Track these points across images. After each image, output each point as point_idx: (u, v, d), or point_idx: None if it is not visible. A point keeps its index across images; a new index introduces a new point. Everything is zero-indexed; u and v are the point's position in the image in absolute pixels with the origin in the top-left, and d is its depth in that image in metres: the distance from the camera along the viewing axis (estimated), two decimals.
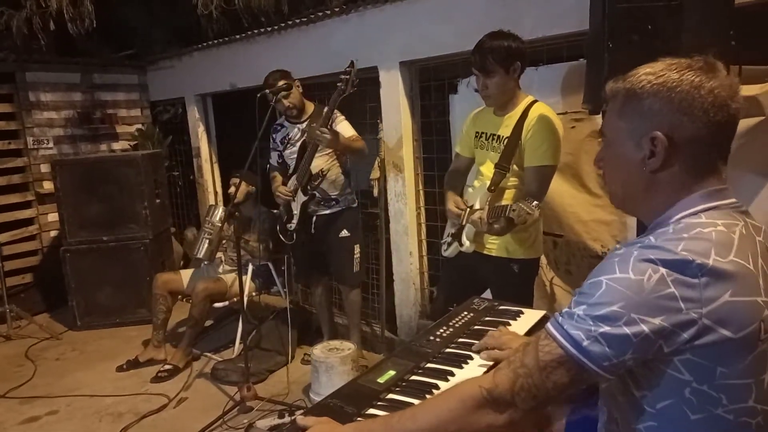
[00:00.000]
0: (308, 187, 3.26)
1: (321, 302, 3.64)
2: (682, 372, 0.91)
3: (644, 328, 0.88)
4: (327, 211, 3.35)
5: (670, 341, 0.89)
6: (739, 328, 0.88)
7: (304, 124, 3.34)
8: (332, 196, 3.33)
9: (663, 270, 0.89)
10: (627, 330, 0.89)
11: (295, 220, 3.35)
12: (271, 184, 3.53)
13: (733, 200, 1.00)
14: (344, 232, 3.35)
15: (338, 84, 2.96)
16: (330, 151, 3.25)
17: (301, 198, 3.30)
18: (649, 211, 1.05)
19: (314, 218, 3.36)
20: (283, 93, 3.20)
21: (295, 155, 3.33)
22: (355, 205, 3.46)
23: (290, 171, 3.38)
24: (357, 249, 3.40)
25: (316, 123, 3.13)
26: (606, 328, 0.90)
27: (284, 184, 3.39)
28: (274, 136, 3.51)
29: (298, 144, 3.33)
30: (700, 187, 0.99)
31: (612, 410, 1.06)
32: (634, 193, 1.04)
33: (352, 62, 2.94)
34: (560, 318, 0.97)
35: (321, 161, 3.25)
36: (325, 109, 3.08)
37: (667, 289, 0.88)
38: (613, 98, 1.04)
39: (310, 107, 3.40)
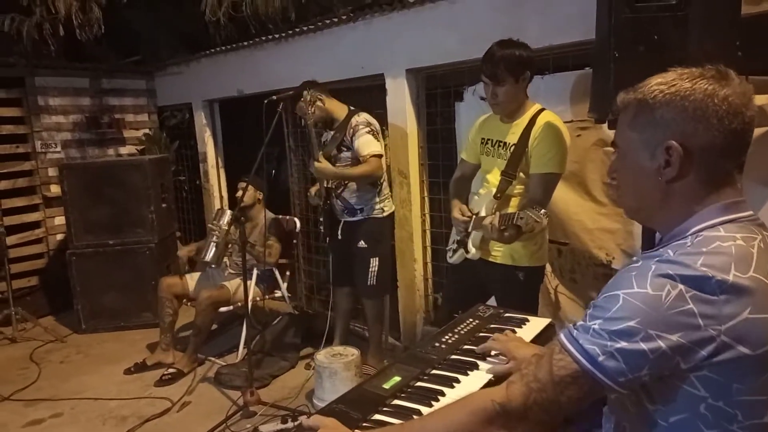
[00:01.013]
0: (331, 196, 3.32)
1: (339, 308, 3.61)
2: (698, 388, 0.89)
3: (661, 344, 0.87)
4: (350, 219, 3.33)
5: (687, 358, 0.88)
6: (757, 346, 0.87)
7: (333, 131, 3.34)
8: (354, 206, 3.29)
9: (681, 286, 0.87)
10: (644, 346, 0.88)
11: (321, 225, 3.44)
12: (275, 190, 3.57)
13: (751, 213, 0.99)
14: (361, 243, 3.30)
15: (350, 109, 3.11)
16: (350, 161, 3.22)
17: (324, 206, 3.39)
18: (665, 222, 1.03)
19: (342, 224, 3.37)
20: (306, 105, 3.15)
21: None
22: (382, 215, 3.33)
23: None
24: (374, 262, 3.31)
25: (342, 137, 3.20)
26: (622, 344, 0.89)
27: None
28: (320, 138, 3.51)
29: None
30: (717, 198, 0.98)
31: (621, 420, 1.06)
32: (650, 204, 1.03)
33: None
34: (575, 331, 0.95)
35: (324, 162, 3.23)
36: (338, 134, 3.18)
37: (686, 305, 0.87)
38: (625, 109, 1.03)
39: (342, 112, 3.31)
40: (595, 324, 0.92)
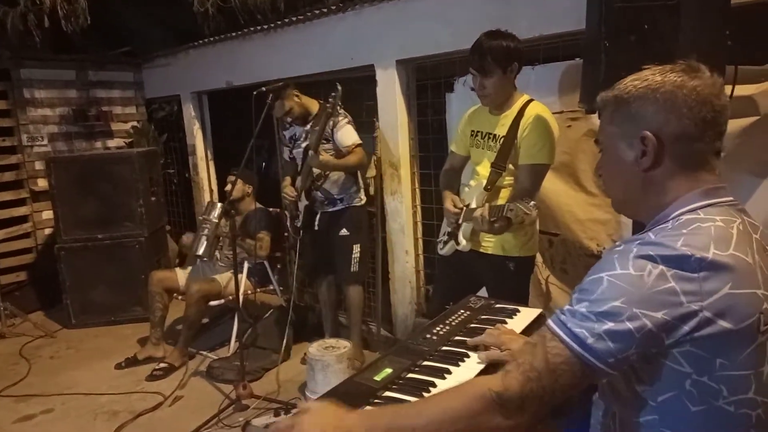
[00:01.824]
0: (311, 188, 3.31)
1: (325, 300, 3.65)
2: (683, 364, 0.92)
3: (646, 322, 0.90)
4: (330, 209, 3.39)
5: (671, 334, 0.90)
6: (739, 320, 0.89)
7: (308, 126, 3.37)
8: (335, 196, 3.36)
9: (662, 266, 0.91)
10: (630, 325, 0.90)
11: (300, 219, 3.45)
12: (266, 182, 3.56)
13: (731, 198, 1.03)
14: (344, 231, 3.37)
15: (326, 105, 3.05)
16: (332, 152, 3.25)
17: (304, 201, 3.38)
18: (648, 211, 1.07)
19: (318, 215, 3.40)
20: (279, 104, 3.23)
21: (301, 156, 3.37)
22: (360, 203, 3.45)
23: (299, 168, 3.44)
24: (356, 249, 3.39)
25: (317, 126, 3.15)
26: (609, 325, 0.91)
27: (293, 181, 3.47)
28: (284, 133, 3.55)
29: (303, 145, 3.36)
30: (695, 184, 1.02)
31: (611, 404, 1.07)
32: (633, 194, 1.08)
33: (337, 87, 3.04)
34: (563, 316, 0.97)
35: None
36: (317, 128, 3.14)
37: (668, 283, 0.90)
38: (604, 107, 1.10)
39: (314, 107, 3.40)
40: (581, 307, 0.95)
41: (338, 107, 3.09)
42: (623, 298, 0.91)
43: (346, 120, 3.25)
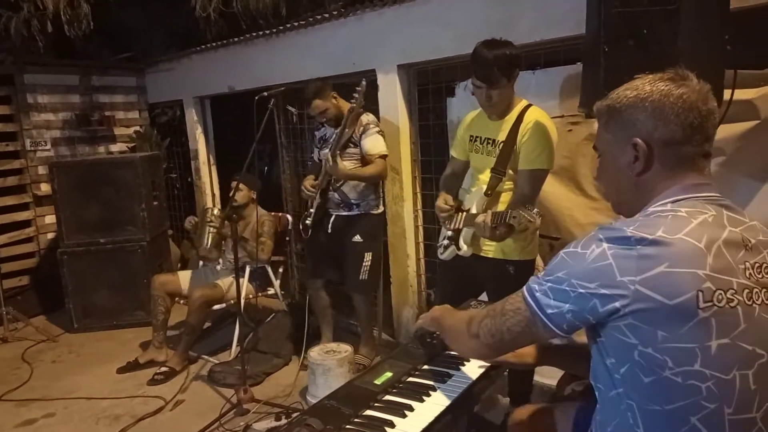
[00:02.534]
0: (329, 188, 3.29)
1: (322, 303, 3.59)
2: (628, 336, 1.00)
3: (580, 290, 1.02)
4: (345, 213, 3.34)
5: (605, 304, 1.00)
6: (673, 296, 0.96)
7: (339, 129, 3.27)
8: (352, 200, 3.31)
9: (606, 245, 1.02)
10: (567, 288, 1.04)
11: (311, 217, 3.40)
12: (267, 187, 3.54)
13: (712, 194, 1.09)
14: (357, 238, 3.31)
15: (351, 101, 3.02)
16: (357, 157, 3.24)
17: (318, 199, 3.34)
18: (640, 210, 1.13)
19: (332, 218, 3.36)
20: (317, 104, 3.21)
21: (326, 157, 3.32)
22: (377, 211, 3.40)
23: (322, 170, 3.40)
24: (368, 257, 3.33)
25: (340, 133, 3.16)
26: (552, 285, 1.07)
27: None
28: (315, 133, 3.51)
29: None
30: (680, 182, 1.09)
31: (596, 383, 1.13)
32: (627, 196, 1.17)
33: (362, 82, 2.99)
34: (528, 282, 1.14)
35: (348, 164, 3.22)
36: (341, 128, 3.13)
37: (606, 260, 1.01)
38: (600, 116, 1.18)
39: (345, 109, 3.29)
40: (540, 274, 1.12)
41: (361, 103, 3.04)
42: (566, 271, 1.05)
43: (377, 129, 3.23)
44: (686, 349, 0.97)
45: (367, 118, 3.24)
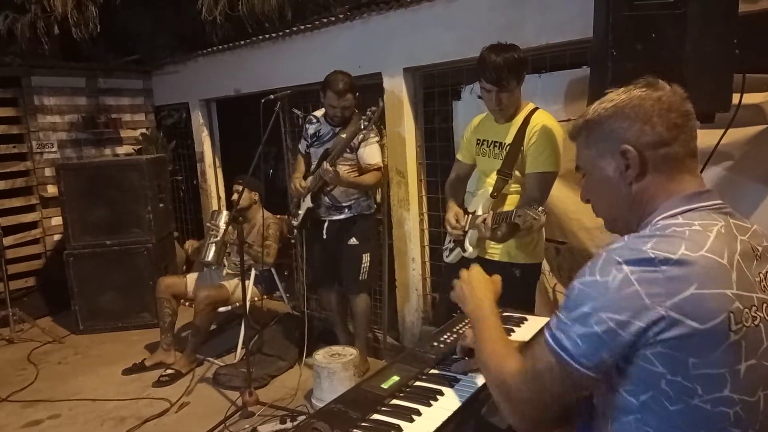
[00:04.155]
0: (320, 193, 3.28)
1: (335, 309, 3.60)
2: (656, 365, 0.93)
3: (612, 325, 0.93)
4: (338, 217, 3.34)
5: (639, 335, 0.93)
6: (705, 320, 0.90)
7: (338, 129, 3.27)
8: (342, 204, 3.31)
9: (627, 269, 0.94)
10: (597, 329, 0.94)
11: (299, 218, 3.40)
12: (273, 189, 3.53)
13: (716, 202, 1.05)
14: (353, 240, 3.32)
15: (362, 118, 3.00)
16: (353, 163, 3.24)
17: (308, 203, 3.33)
18: (638, 223, 1.09)
19: (326, 223, 3.35)
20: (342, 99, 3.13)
21: (319, 156, 3.31)
22: (369, 212, 3.40)
23: (312, 167, 3.38)
24: (366, 258, 3.35)
25: (345, 134, 3.15)
26: (580, 328, 0.96)
27: (305, 178, 3.40)
28: (307, 126, 3.46)
29: (325, 146, 3.29)
30: (679, 188, 1.05)
31: (602, 405, 1.08)
32: (622, 210, 1.12)
33: (380, 103, 2.99)
34: (551, 322, 1.04)
35: (342, 169, 3.20)
36: (344, 135, 3.12)
37: (631, 287, 0.93)
38: (578, 134, 1.15)
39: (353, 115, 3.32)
40: (561, 313, 1.01)
41: (373, 123, 3.03)
42: (590, 304, 0.95)
43: (376, 139, 3.23)
44: (716, 375, 0.92)
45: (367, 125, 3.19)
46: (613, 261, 0.96)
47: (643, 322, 0.91)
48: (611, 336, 0.93)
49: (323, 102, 3.22)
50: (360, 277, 3.37)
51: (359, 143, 3.20)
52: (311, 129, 3.42)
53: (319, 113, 3.39)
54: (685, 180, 1.06)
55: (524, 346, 1.21)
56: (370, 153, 3.21)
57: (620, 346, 0.94)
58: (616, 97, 1.08)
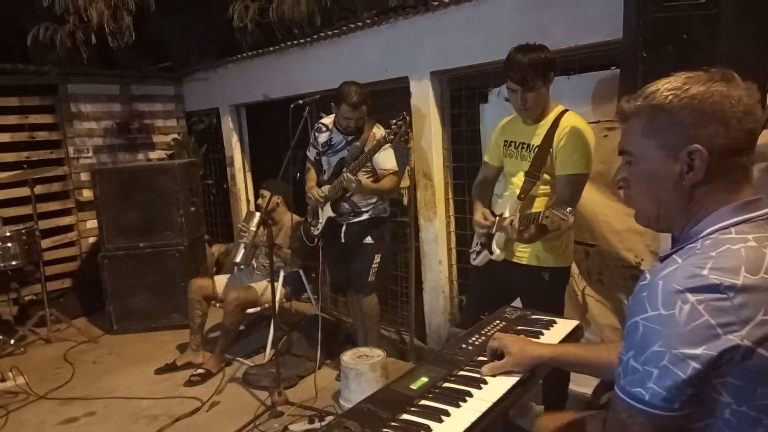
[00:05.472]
0: (341, 201, 3.32)
1: (356, 312, 3.62)
2: (722, 394, 0.89)
3: (689, 361, 0.87)
4: (355, 220, 3.38)
5: (710, 365, 0.87)
6: None
7: (350, 138, 3.30)
8: (362, 208, 3.35)
9: (692, 298, 0.87)
10: (675, 369, 0.87)
11: (320, 227, 3.45)
12: (305, 186, 3.56)
13: (766, 210, 0.99)
14: (368, 239, 3.36)
15: (387, 131, 3.03)
16: (370, 168, 3.27)
17: (329, 211, 3.37)
18: (682, 226, 1.04)
19: (344, 227, 3.39)
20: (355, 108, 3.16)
21: (334, 165, 3.35)
22: (385, 215, 3.45)
23: (326, 176, 3.43)
24: (377, 258, 3.38)
25: (362, 145, 3.19)
26: (656, 373, 0.89)
27: (318, 185, 3.44)
28: (316, 134, 3.49)
29: (339, 155, 3.34)
30: (736, 198, 0.98)
31: None
32: (671, 210, 1.03)
33: (404, 117, 2.98)
34: (621, 379, 0.95)
35: (359, 176, 3.22)
36: (367, 148, 3.16)
37: (701, 318, 0.86)
38: (636, 116, 1.03)
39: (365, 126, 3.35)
40: (629, 359, 0.93)
41: (403, 135, 3.04)
42: (660, 342, 0.88)
43: (389, 145, 3.22)
44: None
45: (380, 132, 3.23)
46: (673, 290, 0.89)
47: (716, 351, 0.86)
48: (691, 373, 0.87)
49: (336, 113, 3.27)
50: (369, 279, 3.39)
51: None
52: (322, 137, 3.44)
53: (327, 120, 3.43)
54: (743, 189, 0.99)
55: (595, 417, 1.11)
56: (385, 158, 3.25)
57: (698, 378, 0.88)
58: (690, 85, 0.97)
